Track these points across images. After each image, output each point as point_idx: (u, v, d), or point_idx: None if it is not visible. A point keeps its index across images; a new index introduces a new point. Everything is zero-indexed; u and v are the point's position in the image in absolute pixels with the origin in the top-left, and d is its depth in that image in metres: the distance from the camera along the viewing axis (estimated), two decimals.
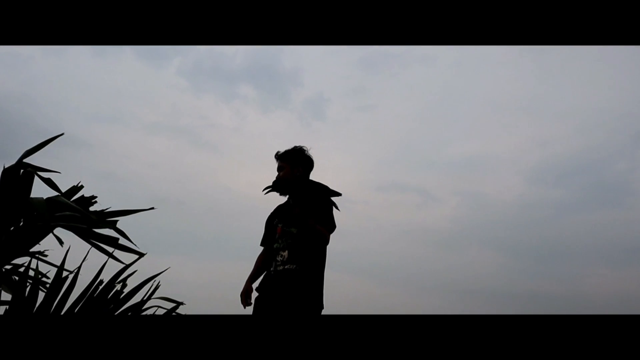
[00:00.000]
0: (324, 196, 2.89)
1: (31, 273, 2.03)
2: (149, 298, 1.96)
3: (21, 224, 1.82)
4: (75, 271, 1.90)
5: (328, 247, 2.85)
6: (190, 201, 11.95)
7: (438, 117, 13.31)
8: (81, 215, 1.72)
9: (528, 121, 12.69)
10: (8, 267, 2.04)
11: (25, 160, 1.76)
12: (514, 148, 12.94)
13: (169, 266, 2.11)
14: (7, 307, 1.80)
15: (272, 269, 2.80)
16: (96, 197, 1.89)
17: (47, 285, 1.93)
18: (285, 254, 2.77)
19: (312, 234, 2.76)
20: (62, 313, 1.89)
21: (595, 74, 11.36)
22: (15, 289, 1.80)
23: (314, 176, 3.01)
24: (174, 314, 2.03)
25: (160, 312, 2.14)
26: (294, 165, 2.95)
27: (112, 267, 2.11)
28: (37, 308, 1.85)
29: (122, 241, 1.88)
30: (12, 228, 1.81)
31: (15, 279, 1.99)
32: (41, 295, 1.89)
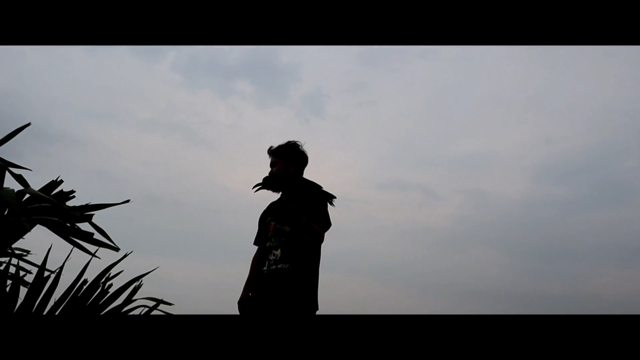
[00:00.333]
0: (318, 193, 2.88)
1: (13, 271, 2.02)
2: (131, 298, 1.94)
3: None
4: (58, 270, 1.89)
5: (323, 245, 2.83)
6: (185, 200, 11.95)
7: (440, 113, 13.30)
8: (53, 207, 1.71)
9: (533, 117, 12.67)
10: None
11: None
12: (518, 145, 12.91)
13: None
14: None
15: (264, 268, 2.78)
16: (74, 191, 1.88)
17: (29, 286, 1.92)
18: (278, 252, 2.76)
19: (306, 232, 2.75)
20: (45, 313, 1.88)
21: (601, 69, 11.33)
22: None
23: (308, 173, 3.01)
24: (160, 313, 2.02)
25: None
26: (287, 160, 2.94)
27: (98, 267, 2.11)
28: (18, 308, 1.84)
29: (99, 236, 1.87)
30: None
31: None
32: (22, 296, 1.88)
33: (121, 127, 12.19)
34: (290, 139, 3.00)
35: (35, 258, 2.16)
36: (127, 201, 1.98)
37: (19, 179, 1.72)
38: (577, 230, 11.31)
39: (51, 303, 1.91)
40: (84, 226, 1.92)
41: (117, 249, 1.87)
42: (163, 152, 12.43)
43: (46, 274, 1.89)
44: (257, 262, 2.90)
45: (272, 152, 2.99)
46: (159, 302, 1.96)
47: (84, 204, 1.85)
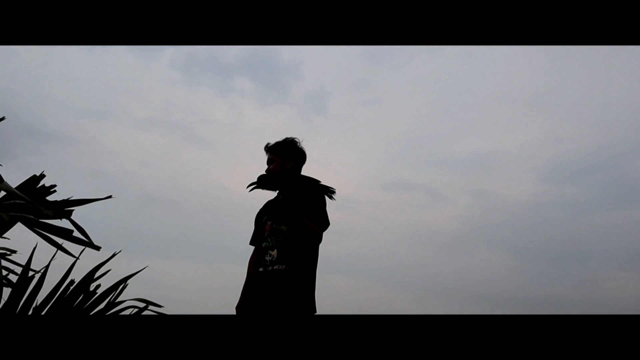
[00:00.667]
0: (316, 191, 2.85)
1: None
2: (115, 299, 1.92)
3: None
4: (43, 270, 1.87)
5: (322, 246, 2.81)
6: (183, 201, 11.94)
7: (446, 111, 13.27)
8: (27, 203, 1.68)
9: (541, 115, 12.62)
10: None
11: None
12: (526, 144, 12.87)
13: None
14: None
15: (260, 269, 2.76)
16: (55, 185, 1.86)
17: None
18: (274, 253, 2.74)
19: (303, 232, 2.72)
20: (29, 314, 1.86)
21: (611, 66, 11.28)
22: None
23: (308, 172, 2.99)
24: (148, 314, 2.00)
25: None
26: (285, 158, 2.92)
27: (86, 267, 2.08)
28: (1, 309, 1.82)
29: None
30: None
31: None
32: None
33: (117, 125, 12.20)
34: (288, 136, 2.98)
35: (20, 258, 2.15)
36: (110, 197, 1.96)
37: None
38: (587, 232, 11.27)
39: (36, 304, 1.88)
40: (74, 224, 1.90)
41: (97, 248, 1.85)
42: (161, 151, 12.45)
43: (31, 273, 1.87)
44: (254, 264, 2.88)
45: (269, 149, 2.97)
46: (149, 303, 1.93)
47: (65, 198, 1.83)
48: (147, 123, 12.52)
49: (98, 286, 2.04)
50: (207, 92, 13.16)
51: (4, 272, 2.01)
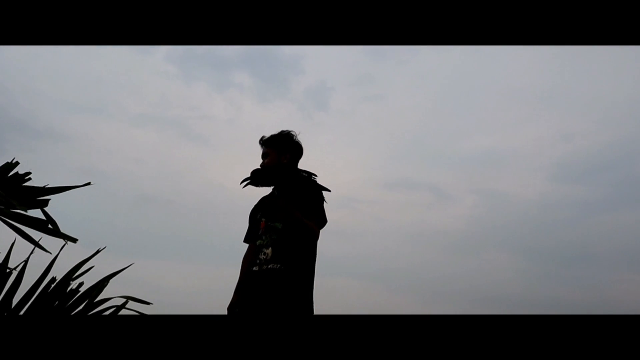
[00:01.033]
0: (314, 186, 2.81)
1: None
2: (95, 296, 1.88)
3: None
4: (22, 265, 1.83)
5: (321, 247, 2.77)
6: (180, 200, 11.90)
7: (452, 107, 13.20)
8: None
9: (550, 112, 12.55)
10: None
11: None
12: (535, 142, 12.78)
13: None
14: None
15: (255, 268, 2.72)
16: (30, 173, 1.82)
17: None
18: (269, 251, 2.70)
19: (299, 229, 2.68)
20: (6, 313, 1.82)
21: (622, 61, 11.20)
22: None
23: (309, 170, 2.94)
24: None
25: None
26: (280, 151, 2.89)
27: (69, 266, 2.04)
28: None
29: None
30: None
31: None
32: None
33: (111, 122, 12.15)
34: (284, 129, 2.95)
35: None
36: (88, 184, 1.92)
37: None
38: (597, 232, 11.20)
39: (14, 303, 1.84)
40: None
41: (74, 240, 1.81)
42: (156, 148, 12.40)
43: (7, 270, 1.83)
44: (248, 262, 2.84)
45: (264, 142, 2.94)
46: (135, 300, 1.88)
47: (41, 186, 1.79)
48: (142, 119, 12.47)
49: (81, 284, 2.01)
50: (204, 87, 13.11)
51: None
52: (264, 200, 2.89)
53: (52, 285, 1.95)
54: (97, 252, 2.01)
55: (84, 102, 11.84)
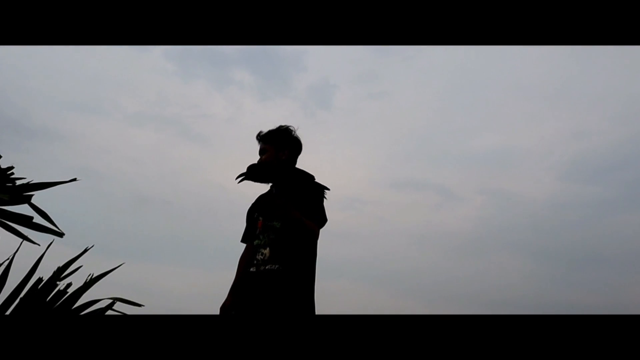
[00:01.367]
0: (313, 184, 2.78)
1: None
2: (79, 296, 1.85)
3: None
4: (5, 266, 1.80)
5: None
6: (178, 201, 11.91)
7: (459, 105, 13.19)
8: None
9: (561, 109, 12.53)
10: None
11: None
12: (545, 140, 12.77)
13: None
14: None
15: (252, 269, 2.70)
16: (13, 167, 1.80)
17: None
18: (267, 251, 2.68)
19: (298, 229, 2.65)
20: None
21: (634, 57, 11.15)
22: None
23: (303, 165, 2.93)
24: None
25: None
26: (279, 147, 2.87)
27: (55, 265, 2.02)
28: None
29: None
30: None
31: None
32: None
33: (107, 120, 12.17)
34: (282, 124, 2.93)
35: None
36: (74, 179, 1.90)
37: None
38: (610, 233, 11.16)
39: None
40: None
41: (60, 235, 1.78)
42: (154, 148, 12.42)
43: None
44: (245, 263, 2.81)
45: (261, 138, 2.92)
46: (118, 301, 1.86)
47: (24, 182, 1.77)
48: (139, 118, 12.50)
49: (69, 285, 1.99)
50: (203, 84, 13.13)
51: None
52: (261, 199, 2.88)
53: (39, 286, 1.93)
54: (85, 250, 1.99)
55: (80, 100, 11.87)
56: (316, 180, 2.82)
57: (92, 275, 1.88)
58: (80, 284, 2.03)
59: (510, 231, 12.11)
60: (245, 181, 2.69)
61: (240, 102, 12.91)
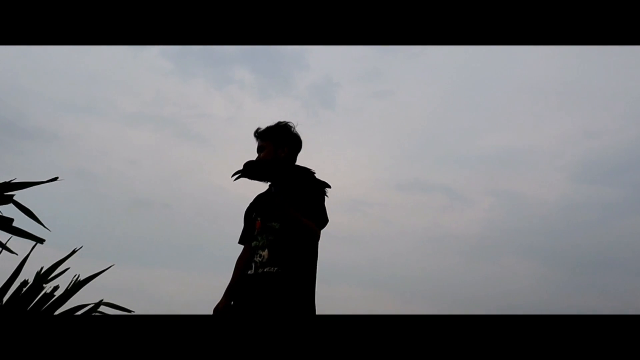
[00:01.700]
0: (314, 182, 2.74)
1: None
2: (65, 299, 1.82)
3: None
4: None
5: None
6: (177, 204, 11.87)
7: (467, 103, 13.14)
8: None
9: (572, 108, 12.46)
10: None
11: None
12: (555, 139, 12.71)
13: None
14: None
15: (250, 271, 2.66)
16: None
17: None
18: (265, 253, 2.64)
19: (298, 230, 2.61)
20: None
21: None
22: None
23: (303, 163, 2.89)
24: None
25: None
26: (277, 144, 2.84)
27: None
28: None
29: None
30: None
31: None
32: None
33: (103, 121, 12.15)
34: (281, 120, 2.89)
35: None
36: (56, 179, 1.86)
37: None
38: (623, 236, 11.08)
39: None
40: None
41: (41, 241, 1.74)
42: (151, 149, 12.39)
43: None
44: (242, 264, 2.78)
45: (259, 134, 2.88)
46: (101, 303, 1.83)
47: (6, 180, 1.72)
48: (136, 118, 12.47)
49: (56, 287, 1.95)
50: (202, 83, 13.10)
51: None
52: (260, 198, 2.85)
53: (24, 289, 1.90)
54: (73, 252, 1.97)
55: (75, 100, 11.85)
56: (316, 176, 2.78)
57: (78, 277, 1.83)
58: (81, 287, 2.00)
59: (520, 234, 12.06)
60: (244, 181, 2.66)
61: (240, 101, 12.89)
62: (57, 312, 1.92)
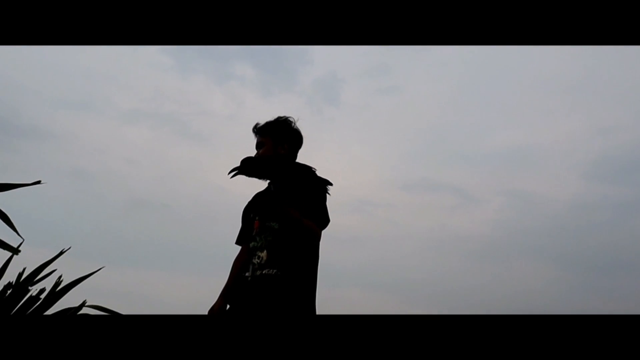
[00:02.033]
0: (315, 181, 2.70)
1: None
2: (52, 302, 1.79)
3: None
4: None
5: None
6: (176, 204, 11.86)
7: (476, 100, 13.09)
8: None
9: (585, 104, 12.41)
10: None
11: None
12: (567, 137, 12.66)
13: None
14: None
15: (247, 273, 2.62)
16: None
17: None
18: (264, 255, 2.60)
19: (298, 230, 2.57)
20: None
21: None
22: None
23: (303, 161, 2.85)
24: None
25: None
26: (277, 140, 2.80)
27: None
28: None
29: None
30: None
31: None
32: None
33: (100, 118, 12.15)
34: (281, 115, 2.86)
35: None
36: (38, 182, 1.83)
37: None
38: (638, 237, 11.00)
39: None
40: None
41: (16, 252, 1.71)
42: (150, 148, 12.38)
43: None
44: (239, 266, 2.75)
45: (258, 130, 2.85)
46: (82, 306, 1.79)
47: None
48: (134, 115, 12.47)
49: (42, 290, 1.92)
50: (202, 79, 13.10)
51: None
52: (258, 197, 2.81)
53: (8, 292, 1.87)
54: (61, 253, 1.93)
55: (71, 97, 11.85)
56: (317, 173, 2.75)
57: (61, 279, 1.80)
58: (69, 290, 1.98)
59: (531, 235, 12.02)
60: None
61: (241, 98, 12.87)
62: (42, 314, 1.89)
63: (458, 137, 13.22)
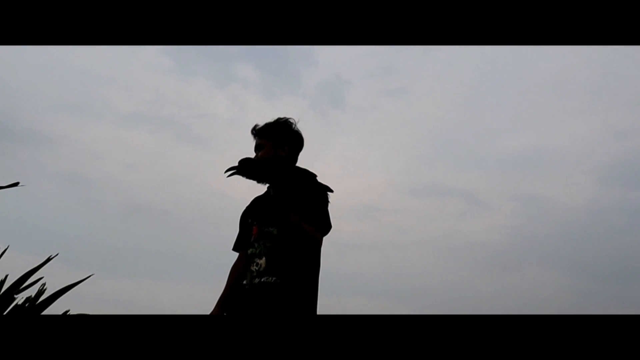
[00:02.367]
0: (316, 185, 2.68)
1: None
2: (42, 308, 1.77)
3: None
4: None
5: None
6: (176, 210, 11.88)
7: (487, 102, 13.08)
8: None
9: (601, 106, 12.36)
10: None
11: None
12: (582, 140, 12.62)
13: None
14: None
15: (245, 281, 2.60)
16: None
17: None
18: (263, 262, 2.58)
19: (298, 236, 2.55)
20: None
21: None
22: None
23: (311, 166, 2.83)
24: None
25: None
26: (277, 142, 2.78)
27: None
28: None
29: None
30: None
31: None
32: None
33: (99, 122, 12.20)
34: (281, 116, 2.85)
35: None
36: (16, 184, 1.81)
37: None
38: None
39: None
40: None
41: None
42: (149, 152, 12.41)
43: None
44: (237, 273, 2.73)
45: (257, 132, 2.83)
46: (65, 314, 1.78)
47: None
48: (134, 119, 12.50)
49: (29, 298, 1.91)
50: (203, 82, 13.14)
51: None
52: (257, 201, 2.78)
53: None
54: (48, 260, 1.92)
55: (68, 100, 11.88)
56: (319, 180, 2.73)
57: (45, 287, 1.78)
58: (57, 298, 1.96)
59: (544, 241, 11.97)
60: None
61: (243, 100, 12.88)
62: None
63: (468, 140, 13.21)
